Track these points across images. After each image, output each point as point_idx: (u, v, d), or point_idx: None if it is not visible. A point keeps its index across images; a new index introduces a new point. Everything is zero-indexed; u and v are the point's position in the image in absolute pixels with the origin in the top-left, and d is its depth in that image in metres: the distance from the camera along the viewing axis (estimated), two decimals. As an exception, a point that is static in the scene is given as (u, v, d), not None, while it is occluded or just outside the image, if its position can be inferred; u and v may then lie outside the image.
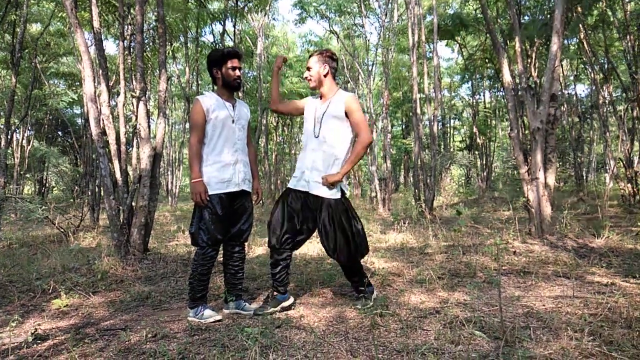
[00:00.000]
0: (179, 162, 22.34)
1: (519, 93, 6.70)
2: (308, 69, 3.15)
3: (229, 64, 3.09)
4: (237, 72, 3.12)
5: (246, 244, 3.49)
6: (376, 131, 13.72)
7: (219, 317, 2.99)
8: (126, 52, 5.85)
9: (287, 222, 3.11)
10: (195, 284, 3.06)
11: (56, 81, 16.79)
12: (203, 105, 3.04)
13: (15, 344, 2.60)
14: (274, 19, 17.67)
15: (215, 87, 3.24)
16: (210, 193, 3.00)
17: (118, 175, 4.89)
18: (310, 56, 3.18)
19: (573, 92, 15.43)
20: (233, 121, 3.11)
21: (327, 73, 3.12)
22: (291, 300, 3.20)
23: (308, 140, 3.16)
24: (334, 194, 3.04)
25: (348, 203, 3.13)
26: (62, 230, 7.25)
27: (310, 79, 3.14)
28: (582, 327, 2.47)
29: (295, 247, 3.23)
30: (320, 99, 3.20)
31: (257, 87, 14.62)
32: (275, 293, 3.16)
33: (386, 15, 13.68)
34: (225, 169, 3.05)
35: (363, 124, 3.06)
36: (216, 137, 3.06)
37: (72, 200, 14.60)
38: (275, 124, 21.84)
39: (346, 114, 3.05)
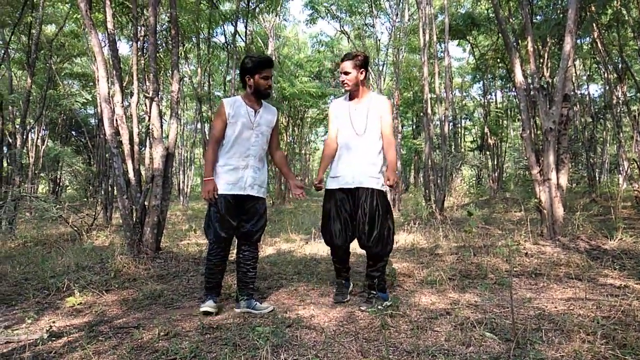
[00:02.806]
0: (191, 161, 22.50)
1: (531, 93, 6.64)
2: (346, 73, 3.26)
3: (262, 73, 3.19)
4: (269, 82, 3.24)
5: (259, 244, 3.53)
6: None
7: (210, 310, 3.12)
8: (139, 53, 5.90)
9: (341, 221, 3.31)
10: (206, 275, 3.28)
11: (70, 82, 17.00)
12: (226, 108, 3.20)
13: (31, 340, 2.65)
14: (284, 19, 17.78)
15: (243, 92, 3.34)
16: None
17: (131, 174, 4.94)
18: (345, 59, 3.29)
19: (586, 92, 15.26)
20: (252, 127, 3.21)
21: (364, 78, 3.31)
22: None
23: (350, 140, 3.31)
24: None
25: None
26: (75, 229, 7.35)
27: (348, 84, 3.28)
28: (595, 330, 2.45)
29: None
30: (350, 99, 3.37)
31: (267, 87, 14.65)
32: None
33: (397, 15, 13.65)
34: (233, 172, 3.17)
35: (392, 127, 3.37)
36: (232, 140, 3.18)
37: (85, 199, 14.78)
38: (285, 123, 21.87)
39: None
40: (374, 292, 3.23)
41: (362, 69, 3.26)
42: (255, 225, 3.26)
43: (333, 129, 3.45)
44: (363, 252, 5.18)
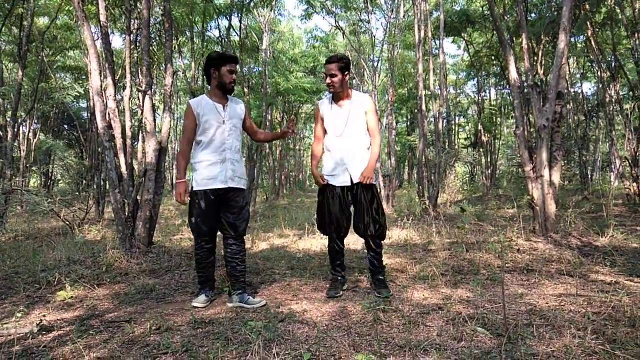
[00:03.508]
0: (184, 156, 22.34)
1: (525, 90, 6.67)
2: (332, 75, 3.36)
3: (227, 67, 3.25)
4: (233, 76, 3.29)
5: (246, 238, 3.56)
6: (381, 128, 13.67)
7: (199, 305, 3.20)
8: (132, 46, 5.85)
9: (343, 214, 3.44)
10: (196, 269, 3.42)
11: (62, 75, 16.83)
12: (193, 109, 3.25)
13: (21, 334, 2.63)
14: (279, 14, 17.63)
15: (209, 87, 3.39)
16: (196, 189, 3.23)
17: (123, 168, 4.90)
18: (330, 62, 3.38)
19: (579, 90, 15.34)
20: (223, 122, 3.27)
21: (347, 79, 3.43)
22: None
23: (336, 140, 3.44)
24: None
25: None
26: (67, 223, 7.30)
27: (334, 85, 3.39)
28: (585, 325, 2.47)
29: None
30: (334, 100, 3.49)
31: (262, 82, 14.60)
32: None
33: (392, 11, 13.64)
34: (211, 167, 3.23)
35: (378, 125, 3.49)
36: (205, 137, 3.25)
37: (77, 193, 14.68)
38: (280, 119, 21.81)
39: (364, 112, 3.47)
40: (382, 277, 3.45)
41: (347, 71, 3.40)
42: (238, 218, 3.29)
43: (319, 129, 3.59)
44: (356, 248, 5.18)
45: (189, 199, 3.24)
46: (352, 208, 3.51)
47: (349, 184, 3.40)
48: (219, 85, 3.29)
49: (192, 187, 3.30)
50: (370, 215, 3.37)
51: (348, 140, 3.41)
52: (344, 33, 15.36)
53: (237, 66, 3.34)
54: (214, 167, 3.22)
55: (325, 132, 3.55)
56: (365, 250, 3.59)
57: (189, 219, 3.34)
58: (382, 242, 3.52)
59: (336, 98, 3.48)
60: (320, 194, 3.51)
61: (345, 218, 3.44)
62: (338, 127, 3.43)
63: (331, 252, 3.56)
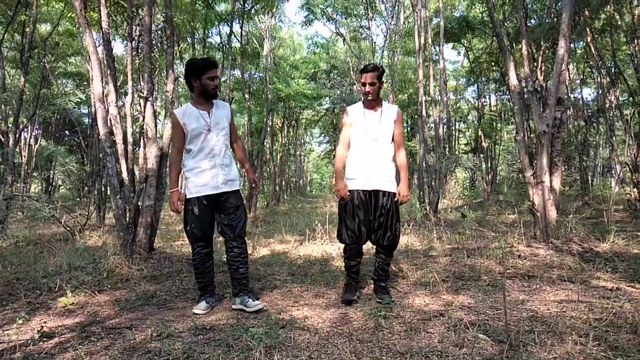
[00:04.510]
0: (185, 162, 22.35)
1: (525, 96, 6.68)
2: (372, 84, 3.39)
3: (207, 74, 3.23)
4: (215, 82, 3.27)
5: (247, 244, 3.55)
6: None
7: (200, 312, 3.20)
8: (134, 53, 5.88)
9: (367, 219, 3.41)
10: (195, 275, 3.41)
11: (64, 81, 16.88)
12: (179, 119, 3.25)
13: (22, 341, 2.63)
14: (280, 20, 17.68)
15: (193, 96, 3.38)
16: (189, 196, 3.25)
17: (125, 174, 4.91)
18: (370, 71, 3.39)
19: (579, 96, 15.35)
20: (209, 129, 3.26)
21: (381, 88, 3.52)
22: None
23: (367, 145, 3.42)
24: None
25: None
26: (68, 228, 7.30)
27: (372, 94, 3.42)
28: (587, 332, 2.47)
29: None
30: (366, 107, 3.49)
31: (263, 88, 14.65)
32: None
33: (392, 17, 13.71)
34: (202, 174, 3.25)
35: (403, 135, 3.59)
36: (194, 146, 3.26)
37: (78, 199, 14.68)
38: (280, 125, 21.85)
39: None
40: (384, 284, 3.49)
41: (382, 81, 3.48)
42: (234, 219, 3.30)
43: (347, 134, 3.54)
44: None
45: (182, 207, 3.26)
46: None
47: (370, 188, 3.39)
48: (202, 94, 3.28)
49: (185, 195, 3.31)
50: (386, 224, 3.38)
51: (381, 146, 3.44)
52: (344, 39, 15.44)
53: (218, 70, 3.31)
54: (204, 175, 3.24)
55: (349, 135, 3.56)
56: (369, 257, 3.58)
57: (184, 226, 3.37)
58: (393, 251, 3.52)
59: (369, 106, 3.50)
60: (343, 201, 3.46)
61: (369, 223, 3.41)
62: (374, 132, 3.43)
63: (350, 259, 3.49)
